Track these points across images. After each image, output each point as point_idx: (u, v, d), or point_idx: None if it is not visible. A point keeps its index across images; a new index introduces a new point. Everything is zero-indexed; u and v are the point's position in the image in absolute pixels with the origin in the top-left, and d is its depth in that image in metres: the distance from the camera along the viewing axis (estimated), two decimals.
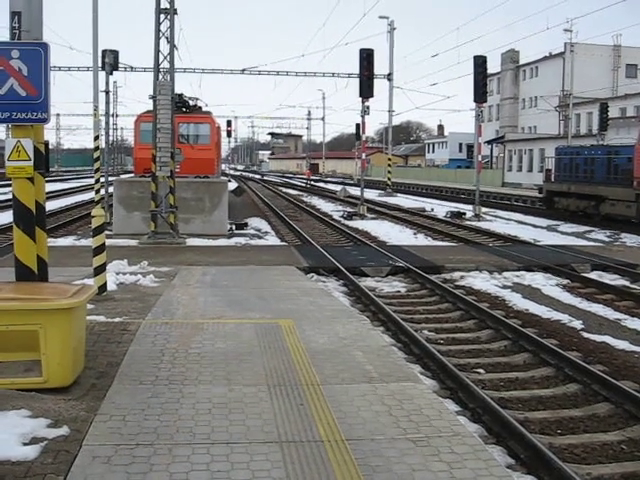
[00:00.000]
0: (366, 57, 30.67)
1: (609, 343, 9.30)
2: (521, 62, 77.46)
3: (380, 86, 67.66)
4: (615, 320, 10.69)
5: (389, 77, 43.94)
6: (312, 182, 67.22)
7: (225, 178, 30.70)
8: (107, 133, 29.41)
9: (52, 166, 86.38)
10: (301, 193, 52.92)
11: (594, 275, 14.39)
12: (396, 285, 13.44)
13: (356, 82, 31.53)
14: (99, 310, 9.13)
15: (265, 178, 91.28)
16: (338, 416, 5.52)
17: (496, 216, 30.58)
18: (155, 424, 5.28)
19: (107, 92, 27.62)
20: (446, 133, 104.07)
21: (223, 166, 62.28)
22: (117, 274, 11.72)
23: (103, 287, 10.18)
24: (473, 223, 26.84)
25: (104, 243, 10.28)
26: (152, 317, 8.96)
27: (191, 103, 26.84)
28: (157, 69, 18.14)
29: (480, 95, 29.30)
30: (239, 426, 5.29)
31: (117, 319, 8.73)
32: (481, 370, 8.24)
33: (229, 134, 63.12)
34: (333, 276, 13.88)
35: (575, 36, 62.08)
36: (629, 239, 21.78)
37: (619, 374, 7.94)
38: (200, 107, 27.82)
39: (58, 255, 13.67)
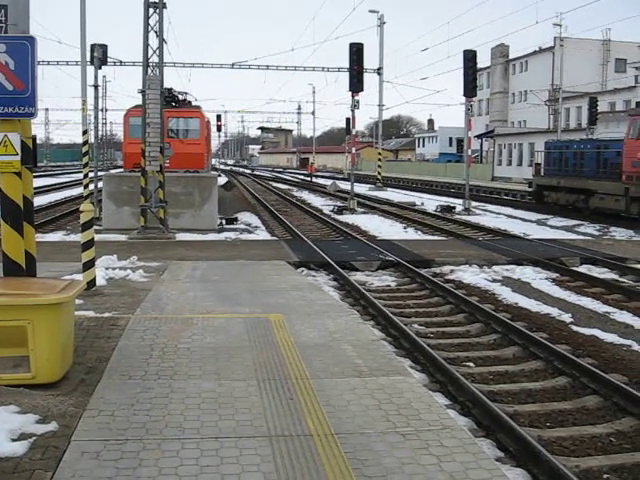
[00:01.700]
0: (356, 51, 30.61)
1: (598, 336, 9.34)
2: (511, 56, 77.64)
3: (370, 80, 67.75)
4: (604, 313, 10.73)
5: (379, 71, 43.88)
6: (313, 178, 65.91)
7: (215, 172, 30.61)
8: (96, 128, 29.26)
9: (41, 161, 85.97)
10: (291, 187, 52.91)
11: (583, 269, 14.45)
12: (386, 279, 13.46)
13: (346, 76, 31.46)
14: (88, 305, 9.10)
15: (255, 173, 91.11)
16: (327, 410, 5.52)
17: (486, 210, 30.67)
18: (144, 419, 5.27)
19: (96, 86, 27.47)
20: (436, 127, 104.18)
21: (213, 161, 62.13)
22: (106, 269, 11.68)
23: (92, 282, 10.14)
24: (463, 217, 26.90)
25: (93, 238, 10.23)
26: (141, 312, 8.94)
27: (180, 97, 26.72)
28: (146, 63, 18.07)
29: (470, 89, 29.33)
30: (228, 421, 5.28)
31: (106, 314, 8.70)
32: (471, 364, 8.26)
33: (219, 128, 62.92)
34: (323, 270, 13.88)
35: (564, 30, 62.48)
36: (618, 233, 21.87)
37: (608, 367, 7.98)
38: (189, 101, 27.70)
39: (47, 250, 13.59)
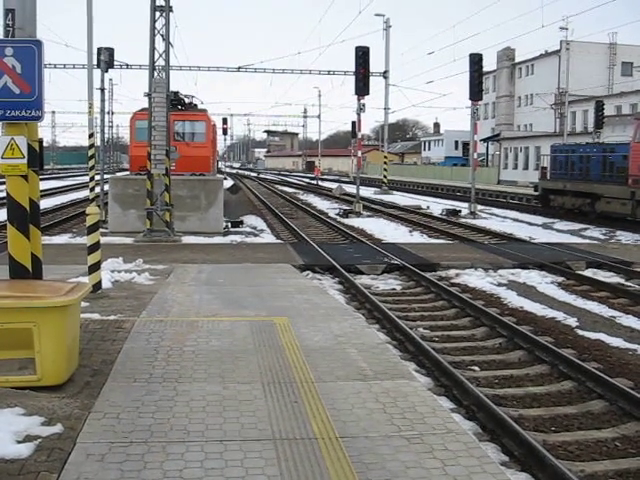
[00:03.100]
0: (362, 55, 30.65)
1: (604, 340, 9.32)
2: (517, 60, 77.56)
3: (376, 84, 67.60)
4: (610, 317, 10.71)
5: (385, 75, 43.92)
6: (319, 181, 65.59)
7: (221, 176, 30.66)
8: (102, 131, 29.39)
9: (47, 164, 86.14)
10: (297, 191, 52.93)
11: (589, 273, 14.42)
12: (391, 283, 13.45)
13: (352, 80, 31.56)
14: (94, 308, 9.12)
15: (261, 176, 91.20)
16: (332, 413, 5.52)
17: (492, 214, 30.63)
18: (149, 422, 5.28)
19: (102, 89, 27.59)
20: (442, 131, 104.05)
21: (220, 164, 62.20)
22: (112, 272, 11.70)
23: (98, 285, 10.17)
24: (469, 221, 26.86)
25: (99, 241, 10.26)
26: (147, 315, 8.95)
27: (186, 101, 26.79)
28: (152, 67, 18.11)
29: (476, 93, 29.32)
30: (233, 424, 5.29)
31: (112, 317, 8.72)
32: (476, 367, 8.25)
33: (225, 132, 63.04)
34: (328, 274, 13.88)
35: (571, 34, 62.46)
36: (624, 237, 21.81)
37: (613, 371, 7.96)
38: (195, 105, 27.76)
39: (53, 253, 13.65)
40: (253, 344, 7.58)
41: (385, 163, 46.31)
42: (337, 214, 29.63)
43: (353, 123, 52.31)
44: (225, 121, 62.22)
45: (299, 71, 48.22)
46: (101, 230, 10.85)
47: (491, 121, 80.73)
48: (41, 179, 7.97)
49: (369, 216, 28.77)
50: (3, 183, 8.14)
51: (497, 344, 9.29)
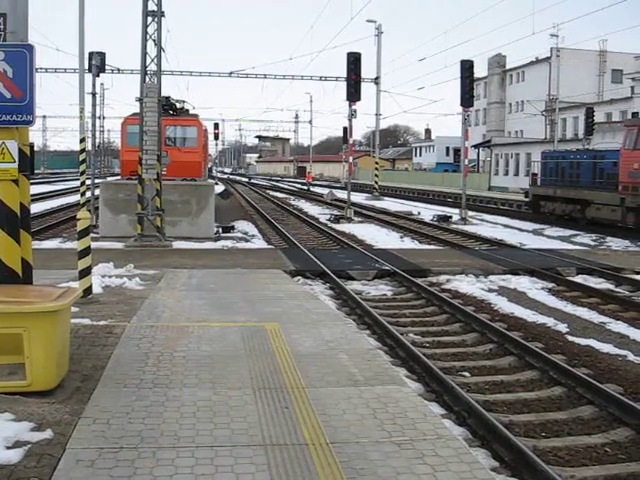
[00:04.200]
0: (353, 61, 30.71)
1: (594, 346, 9.35)
2: (508, 67, 77.96)
3: (368, 90, 67.85)
4: (600, 323, 10.75)
5: (376, 81, 44.06)
6: (310, 187, 65.46)
7: (212, 181, 30.64)
8: (93, 135, 29.32)
9: (38, 168, 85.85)
10: (288, 196, 52.93)
11: (579, 279, 14.46)
12: (382, 288, 13.46)
13: (344, 85, 31.63)
14: (84, 313, 9.08)
15: (252, 181, 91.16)
16: (323, 419, 5.52)
17: (482, 220, 30.71)
18: (139, 427, 5.26)
19: (94, 94, 27.56)
20: (433, 137, 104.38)
21: (213, 170, 62.13)
22: (103, 277, 11.66)
23: (88, 290, 10.13)
24: (459, 227, 26.93)
25: (89, 246, 10.23)
26: (137, 320, 8.93)
27: (178, 106, 26.78)
28: (144, 72, 18.10)
29: (467, 99, 29.42)
30: (224, 429, 5.28)
31: (102, 322, 8.69)
32: (466, 373, 8.26)
33: (216, 137, 63.02)
34: (319, 279, 13.88)
35: (561, 41, 62.81)
36: (614, 243, 21.90)
37: (603, 377, 7.98)
38: (187, 110, 27.76)
39: (43, 258, 13.57)
40: (244, 350, 7.58)
41: (376, 169, 46.42)
42: (328, 220, 29.64)
43: (344, 129, 52.30)
44: (217, 126, 62.23)
45: (291, 77, 48.36)
46: (92, 235, 10.82)
47: (482, 127, 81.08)
48: (32, 183, 7.95)
49: (360, 222, 28.80)
50: None
51: (488, 350, 9.30)
